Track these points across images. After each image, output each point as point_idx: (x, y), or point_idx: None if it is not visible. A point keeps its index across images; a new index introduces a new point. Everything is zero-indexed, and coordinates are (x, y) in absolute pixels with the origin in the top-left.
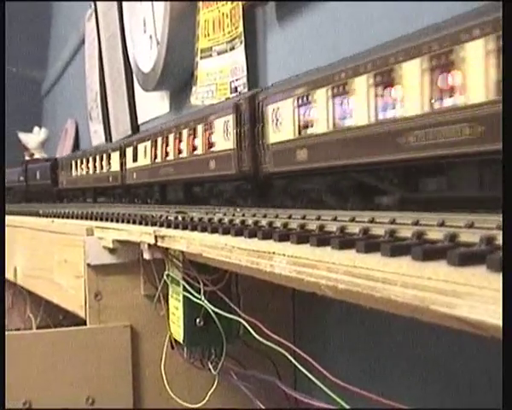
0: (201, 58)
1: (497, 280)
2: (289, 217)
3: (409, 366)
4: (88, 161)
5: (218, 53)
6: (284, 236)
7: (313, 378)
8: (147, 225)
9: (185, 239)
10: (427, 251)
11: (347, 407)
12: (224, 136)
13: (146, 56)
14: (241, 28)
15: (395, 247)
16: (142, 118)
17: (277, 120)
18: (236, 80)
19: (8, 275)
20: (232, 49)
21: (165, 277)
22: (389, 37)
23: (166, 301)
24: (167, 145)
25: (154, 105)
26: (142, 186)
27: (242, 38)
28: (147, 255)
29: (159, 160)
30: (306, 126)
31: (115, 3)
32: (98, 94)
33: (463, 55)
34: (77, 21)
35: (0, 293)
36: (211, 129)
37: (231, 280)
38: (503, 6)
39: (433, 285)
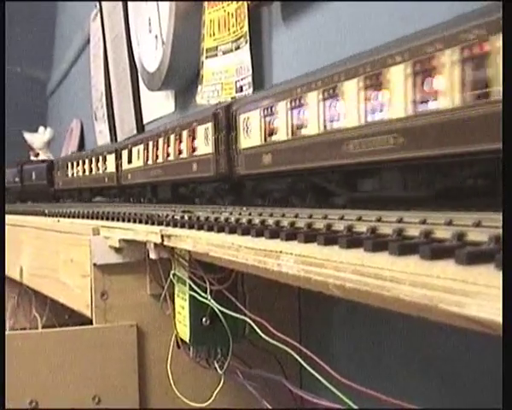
0: (207, 57)
1: None
2: (296, 216)
3: (416, 365)
4: (84, 163)
5: (224, 52)
6: (291, 235)
7: (319, 377)
8: (153, 224)
9: (192, 238)
10: (436, 250)
11: (354, 406)
12: (204, 141)
13: (151, 56)
14: (246, 27)
15: (403, 246)
16: (147, 117)
17: (248, 127)
18: (242, 79)
19: (14, 275)
20: (237, 48)
21: (171, 276)
22: (393, 36)
23: (172, 300)
24: (157, 149)
25: (159, 105)
26: (136, 186)
27: (248, 37)
28: (153, 255)
29: (150, 162)
30: (271, 134)
31: (120, 3)
32: (103, 94)
33: (388, 78)
34: (82, 21)
35: (0, 293)
36: (194, 135)
37: (237, 279)
38: (503, 6)
39: (441, 284)
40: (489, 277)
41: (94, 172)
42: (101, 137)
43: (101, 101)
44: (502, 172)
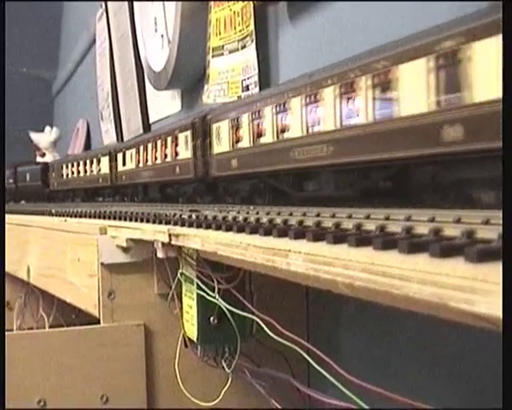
0: (213, 57)
1: None
2: (304, 214)
3: (425, 364)
4: (79, 165)
5: (230, 51)
6: (300, 233)
7: (327, 375)
8: (160, 223)
9: (200, 237)
10: (445, 248)
11: (363, 404)
12: (185, 147)
13: (157, 55)
14: (252, 26)
15: (412, 244)
16: (153, 117)
17: (219, 135)
18: (248, 78)
19: (21, 274)
20: (243, 47)
21: (178, 275)
22: (399, 35)
23: (180, 299)
24: (147, 153)
25: (165, 104)
26: (130, 186)
27: (254, 36)
28: (160, 254)
29: (141, 165)
30: (237, 141)
31: (126, 3)
32: (109, 93)
33: (323, 97)
34: (87, 21)
35: (0, 293)
36: (176, 141)
37: (245, 278)
38: (503, 6)
39: (451, 282)
40: (499, 274)
41: (88, 174)
42: (108, 136)
43: (107, 100)
44: (502, 172)
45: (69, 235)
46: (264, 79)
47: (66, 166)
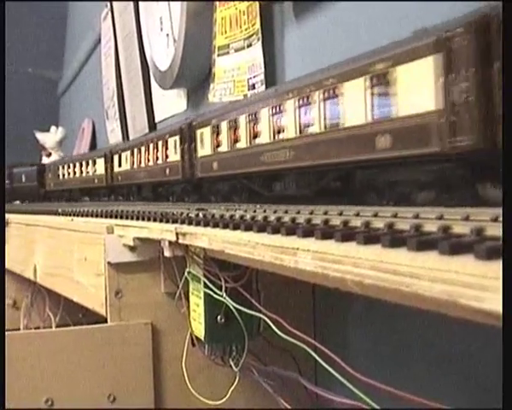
0: (218, 55)
1: None
2: (311, 213)
3: (432, 362)
4: (75, 166)
5: (236, 50)
6: (308, 231)
7: (335, 373)
8: (167, 222)
9: (207, 236)
10: (454, 245)
11: (371, 402)
12: (174, 151)
13: (163, 54)
14: (258, 25)
15: (421, 241)
16: (159, 116)
17: (202, 140)
18: (254, 77)
19: (28, 274)
20: (249, 46)
21: (186, 274)
22: (405, 34)
23: (187, 298)
24: (141, 155)
25: (171, 103)
26: (125, 186)
27: (260, 34)
28: (167, 253)
29: (135, 166)
30: (217, 146)
31: (131, 3)
32: (115, 93)
33: (286, 108)
34: (92, 21)
35: (0, 293)
36: (166, 145)
37: (251, 277)
38: (503, 6)
39: (460, 279)
40: None
41: (84, 175)
42: (113, 136)
43: (112, 100)
44: (502, 172)
45: (76, 234)
46: (271, 78)
47: (63, 168)
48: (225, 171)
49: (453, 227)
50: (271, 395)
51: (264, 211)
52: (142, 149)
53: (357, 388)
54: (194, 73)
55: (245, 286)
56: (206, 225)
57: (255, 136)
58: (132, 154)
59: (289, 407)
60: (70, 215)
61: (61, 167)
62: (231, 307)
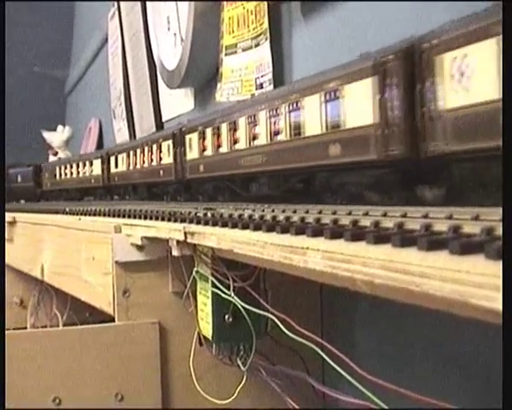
0: (226, 55)
1: None
2: (320, 212)
3: (440, 362)
4: (72, 167)
5: (243, 49)
6: (317, 231)
7: (343, 373)
8: (175, 221)
9: (216, 235)
10: (465, 245)
11: (379, 402)
12: (167, 154)
13: (170, 54)
14: (266, 24)
15: (432, 241)
16: (166, 115)
17: (191, 145)
18: (262, 76)
19: (35, 273)
20: (257, 45)
21: (194, 273)
22: (410, 33)
23: (195, 297)
24: (136, 157)
25: (178, 102)
26: (122, 186)
27: (268, 34)
28: (176, 252)
29: (131, 167)
30: (203, 150)
31: (138, 2)
32: (122, 92)
33: (259, 118)
34: (99, 20)
35: (0, 292)
36: (160, 149)
37: (259, 276)
38: (503, 6)
39: (471, 279)
40: None
41: (81, 175)
42: (120, 135)
43: (119, 99)
44: (502, 171)
45: (83, 233)
46: (278, 77)
47: (60, 168)
48: (210, 173)
49: (463, 227)
50: (279, 395)
51: (273, 211)
52: (138, 151)
53: (364, 387)
54: (202, 73)
55: (253, 285)
56: (215, 224)
57: (235, 142)
58: (128, 156)
59: (297, 406)
60: (77, 214)
61: (57, 168)
62: (239, 307)
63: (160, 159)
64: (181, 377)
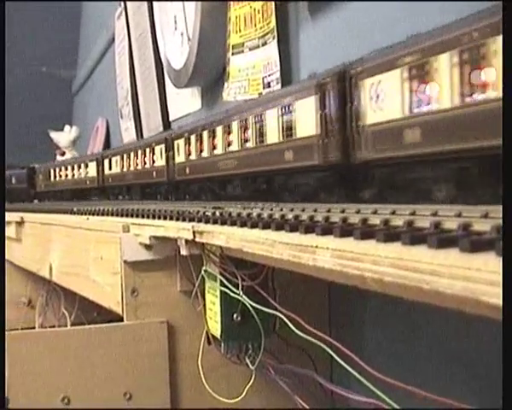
0: (233, 54)
1: None
2: (329, 211)
3: (451, 362)
4: (66, 169)
5: (250, 49)
6: (327, 229)
7: (351, 370)
8: (184, 221)
9: (224, 234)
10: (475, 243)
11: (389, 400)
12: (160, 157)
13: (177, 53)
14: (273, 23)
15: (442, 239)
16: (174, 115)
17: (179, 149)
18: (269, 76)
19: (44, 273)
20: (264, 44)
21: (202, 272)
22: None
23: (203, 296)
24: (130, 160)
25: (185, 102)
26: (116, 187)
27: (275, 33)
28: (184, 251)
29: (125, 169)
30: (189, 155)
31: (145, 2)
32: (129, 92)
33: (233, 128)
34: (106, 20)
35: (0, 292)
36: (153, 152)
37: (267, 275)
38: (503, 6)
39: (482, 277)
40: None
41: (76, 176)
42: (127, 134)
43: (126, 99)
44: (502, 171)
45: (92, 233)
46: (286, 76)
47: (54, 170)
48: (194, 175)
49: (473, 225)
50: (287, 394)
51: (282, 209)
52: (132, 154)
53: (373, 385)
54: (209, 72)
55: (261, 284)
56: (224, 223)
57: (214, 148)
58: (122, 158)
59: (305, 405)
60: (85, 214)
61: (52, 170)
62: (248, 306)
63: (153, 162)
64: (189, 376)
